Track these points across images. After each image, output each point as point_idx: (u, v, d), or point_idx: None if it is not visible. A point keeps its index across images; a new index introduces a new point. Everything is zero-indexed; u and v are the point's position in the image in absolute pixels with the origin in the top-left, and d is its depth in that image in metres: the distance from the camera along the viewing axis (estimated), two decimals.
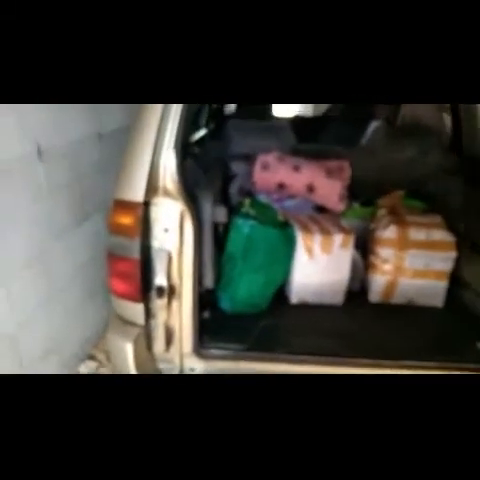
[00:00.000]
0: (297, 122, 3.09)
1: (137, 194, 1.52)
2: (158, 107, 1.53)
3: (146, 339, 1.71)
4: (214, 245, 1.82)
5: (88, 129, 2.49)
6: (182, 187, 1.58)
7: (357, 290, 2.28)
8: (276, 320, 2.05)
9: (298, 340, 1.95)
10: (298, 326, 2.06)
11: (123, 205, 1.56)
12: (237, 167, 2.54)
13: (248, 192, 2.48)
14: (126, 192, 1.55)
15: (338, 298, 2.18)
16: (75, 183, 2.36)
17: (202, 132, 3.34)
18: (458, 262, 2.15)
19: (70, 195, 2.32)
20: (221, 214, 1.79)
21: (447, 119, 2.79)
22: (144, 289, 1.63)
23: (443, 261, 2.13)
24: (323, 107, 3.78)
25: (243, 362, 1.87)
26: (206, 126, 3.50)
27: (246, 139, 2.59)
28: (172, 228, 1.62)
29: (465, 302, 2.18)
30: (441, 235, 2.14)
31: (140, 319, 1.66)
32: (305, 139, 2.80)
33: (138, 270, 1.57)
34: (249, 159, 2.49)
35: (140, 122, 1.57)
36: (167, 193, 1.59)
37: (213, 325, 1.95)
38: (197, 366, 1.84)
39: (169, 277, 1.66)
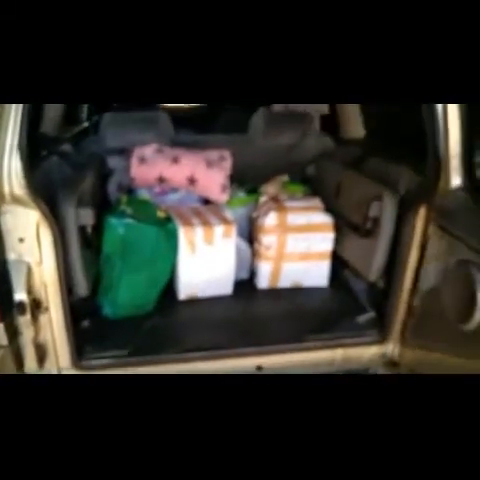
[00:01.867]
0: (181, 111, 3.02)
1: None
2: None
3: (14, 359, 1.57)
4: (84, 249, 1.70)
5: None
6: (33, 192, 1.44)
7: (246, 278, 2.29)
8: (164, 319, 2.00)
9: (187, 337, 1.92)
10: (187, 322, 2.03)
11: None
12: (114, 162, 2.41)
13: (128, 188, 2.37)
14: None
15: (227, 288, 2.17)
16: None
17: (83, 126, 3.14)
18: (338, 242, 2.24)
19: None
20: (87, 216, 1.67)
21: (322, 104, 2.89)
22: (3, 306, 1.48)
23: (323, 242, 2.21)
24: None
25: (128, 368, 1.79)
26: (88, 120, 3.31)
27: (122, 132, 2.46)
28: (28, 237, 1.49)
29: (346, 280, 2.28)
30: (319, 218, 2.20)
31: (3, 339, 1.51)
32: (189, 129, 2.74)
33: None
34: (126, 153, 2.37)
35: None
36: (16, 200, 1.44)
37: (94, 334, 1.85)
38: None
39: (31, 291, 1.53)
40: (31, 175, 1.44)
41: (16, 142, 1.40)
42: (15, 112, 1.39)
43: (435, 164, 1.65)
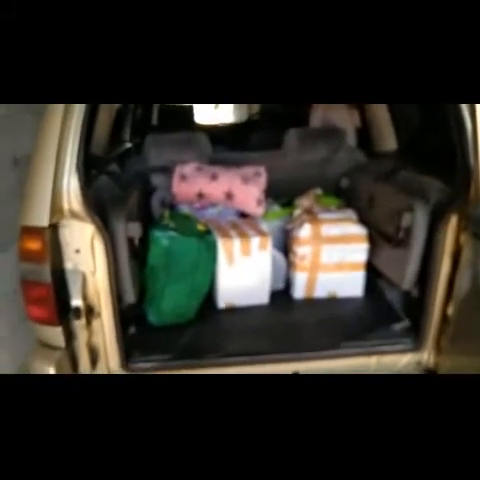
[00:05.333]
0: (217, 130, 3.17)
1: (41, 219, 1.53)
2: (56, 130, 1.54)
3: (70, 360, 1.72)
4: (131, 260, 1.84)
5: (1, 153, 2.43)
6: (89, 208, 1.60)
7: (282, 288, 2.38)
8: (204, 326, 2.11)
9: (226, 343, 2.02)
10: (226, 330, 2.13)
11: (29, 231, 1.56)
12: (157, 180, 2.58)
13: (170, 204, 2.52)
14: (30, 218, 1.55)
15: (263, 298, 2.26)
16: None
17: (126, 146, 3.35)
18: (372, 252, 2.30)
19: None
20: (135, 229, 1.82)
21: (355, 119, 2.97)
22: (61, 312, 1.64)
23: (356, 253, 2.27)
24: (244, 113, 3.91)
25: (172, 371, 1.91)
26: (131, 140, 3.52)
27: (164, 152, 2.64)
28: (83, 249, 1.65)
29: (381, 290, 2.33)
30: (353, 229, 2.27)
31: (61, 342, 1.67)
32: (224, 147, 2.88)
33: (51, 294, 1.58)
34: (168, 171, 2.53)
35: (39, 146, 1.58)
36: (74, 215, 1.61)
37: (140, 339, 1.98)
38: None
39: (86, 297, 1.67)
40: (87, 193, 1.60)
41: (74, 163, 1.57)
42: (73, 137, 1.56)
43: (464, 173, 1.70)
